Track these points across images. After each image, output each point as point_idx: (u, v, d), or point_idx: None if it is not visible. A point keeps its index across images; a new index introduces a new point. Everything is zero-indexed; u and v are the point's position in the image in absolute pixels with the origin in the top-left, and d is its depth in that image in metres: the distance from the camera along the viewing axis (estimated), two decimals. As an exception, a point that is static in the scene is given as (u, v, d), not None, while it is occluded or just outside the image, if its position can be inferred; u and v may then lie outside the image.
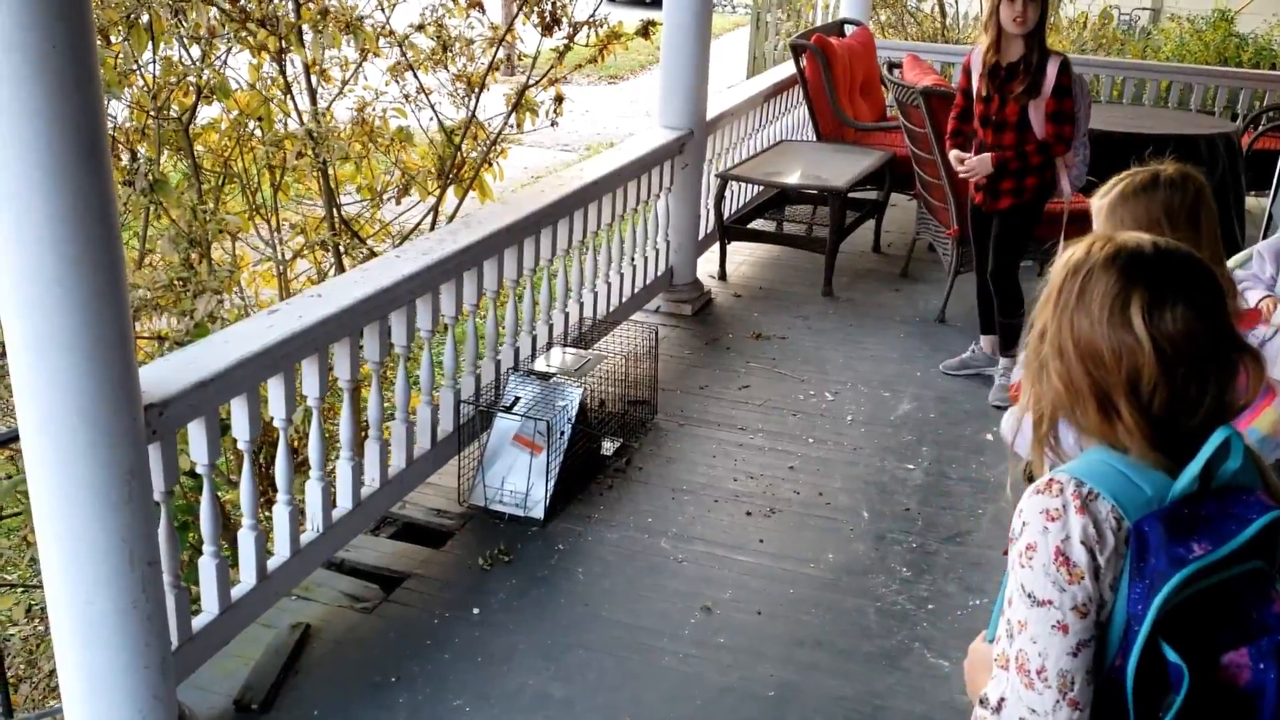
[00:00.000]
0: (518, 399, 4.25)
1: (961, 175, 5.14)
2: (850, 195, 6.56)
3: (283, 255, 5.24)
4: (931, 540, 4.15)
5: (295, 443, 4.57)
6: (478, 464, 4.26)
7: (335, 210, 4.88)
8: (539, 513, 4.15)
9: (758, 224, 7.07)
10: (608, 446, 4.66)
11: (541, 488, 4.14)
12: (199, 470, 3.11)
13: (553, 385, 4.35)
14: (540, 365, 4.48)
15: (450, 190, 5.33)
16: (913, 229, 6.89)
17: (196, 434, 3.04)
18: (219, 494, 3.52)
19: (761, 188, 7.19)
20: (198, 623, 3.16)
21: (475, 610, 3.70)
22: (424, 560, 3.97)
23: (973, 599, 3.83)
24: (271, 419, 3.36)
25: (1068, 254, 1.72)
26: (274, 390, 3.29)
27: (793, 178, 6.65)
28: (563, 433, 4.20)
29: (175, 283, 3.89)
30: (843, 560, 4.02)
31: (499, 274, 4.37)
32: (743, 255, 7.05)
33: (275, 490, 3.45)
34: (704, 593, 3.82)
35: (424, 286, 3.87)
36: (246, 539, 3.30)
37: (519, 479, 4.19)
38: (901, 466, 4.64)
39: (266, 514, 3.71)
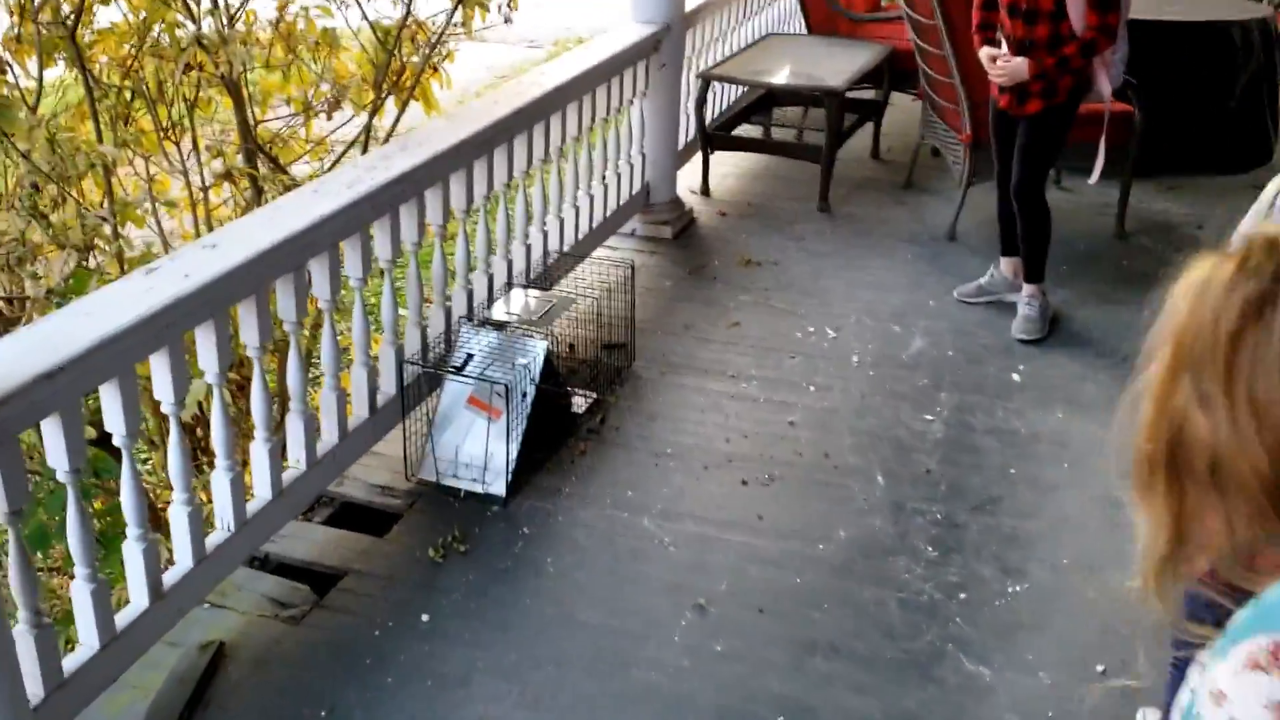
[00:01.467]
0: (470, 356, 3.60)
1: (994, 78, 4.43)
2: (847, 96, 5.85)
3: (202, 183, 4.52)
4: (959, 510, 3.55)
5: (196, 429, 3.92)
6: (427, 432, 3.63)
7: (248, 131, 4.15)
8: (499, 488, 3.53)
9: (742, 130, 6.35)
10: (579, 402, 4.03)
11: (502, 458, 3.52)
12: (61, 477, 2.46)
13: (512, 337, 3.69)
14: (498, 312, 3.82)
15: (391, 102, 4.60)
16: (916, 133, 6.19)
17: (52, 435, 2.39)
18: (91, 502, 2.88)
19: (744, 89, 6.47)
20: (71, 662, 2.54)
21: (424, 617, 3.09)
22: (364, 551, 3.35)
23: (1011, 584, 3.25)
24: (159, 404, 2.71)
25: (1218, 280, 1.05)
26: (158, 369, 2.64)
27: (783, 77, 5.92)
28: (525, 394, 3.56)
29: (14, 241, 3.20)
30: (856, 538, 3.43)
31: (444, 205, 3.68)
32: (727, 167, 6.34)
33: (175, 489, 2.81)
34: (696, 585, 3.22)
35: (350, 226, 3.19)
36: (133, 552, 2.67)
37: (475, 448, 3.56)
38: (918, 417, 4.03)
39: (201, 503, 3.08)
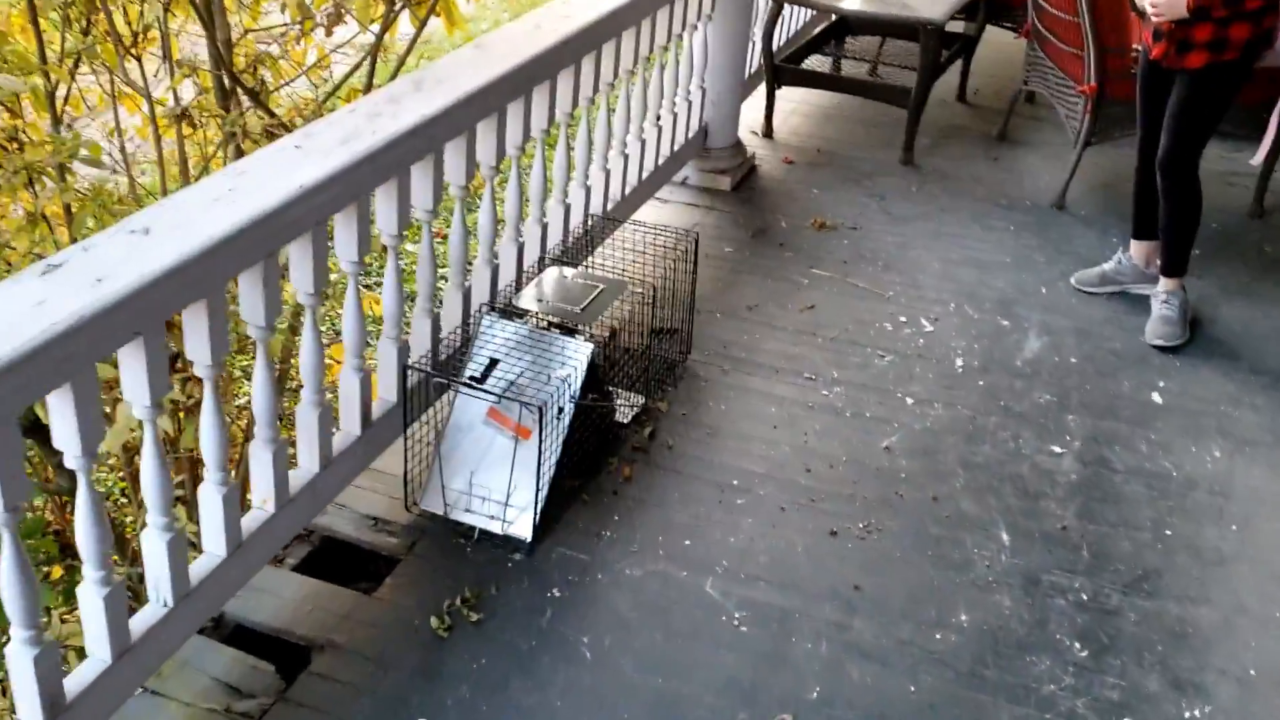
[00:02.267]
0: (493, 361, 2.81)
1: (1153, 15, 3.56)
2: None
3: (176, 104, 3.68)
4: (1107, 587, 2.79)
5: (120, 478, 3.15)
6: (434, 450, 2.86)
7: (221, 58, 3.30)
8: (524, 530, 2.77)
9: (810, 63, 5.46)
10: (624, 410, 3.25)
11: (530, 491, 2.75)
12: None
13: (546, 334, 2.90)
14: (528, 299, 3.01)
15: (406, 16, 3.74)
16: (1014, 76, 5.31)
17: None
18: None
19: (809, 15, 5.57)
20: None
21: (422, 721, 2.36)
22: (347, 616, 2.60)
23: (1188, 705, 2.49)
24: (61, 456, 1.93)
25: None
26: (59, 410, 1.86)
27: (875, 3, 5.02)
28: (561, 411, 2.78)
29: None
30: (983, 624, 2.67)
31: (468, 161, 2.86)
32: (791, 104, 5.47)
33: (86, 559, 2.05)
34: (777, 688, 2.47)
35: (344, 196, 2.38)
36: (21, 660, 1.92)
37: (495, 476, 2.79)
38: (1044, 449, 3.24)
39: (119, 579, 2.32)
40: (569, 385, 2.76)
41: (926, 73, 4.82)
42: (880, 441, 3.23)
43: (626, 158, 3.91)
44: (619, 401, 3.26)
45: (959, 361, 3.61)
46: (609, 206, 3.84)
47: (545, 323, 2.99)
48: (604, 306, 3.00)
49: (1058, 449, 3.24)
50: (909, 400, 3.41)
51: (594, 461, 3.06)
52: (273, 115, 3.22)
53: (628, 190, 3.97)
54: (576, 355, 2.83)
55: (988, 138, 5.26)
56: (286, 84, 3.72)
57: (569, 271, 3.15)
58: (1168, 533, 2.97)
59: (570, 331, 2.90)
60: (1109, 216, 4.53)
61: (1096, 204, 4.64)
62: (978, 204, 4.65)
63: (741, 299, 3.89)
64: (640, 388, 3.32)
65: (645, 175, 4.10)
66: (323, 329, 2.59)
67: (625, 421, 3.22)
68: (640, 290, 3.31)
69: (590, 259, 3.50)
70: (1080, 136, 4.55)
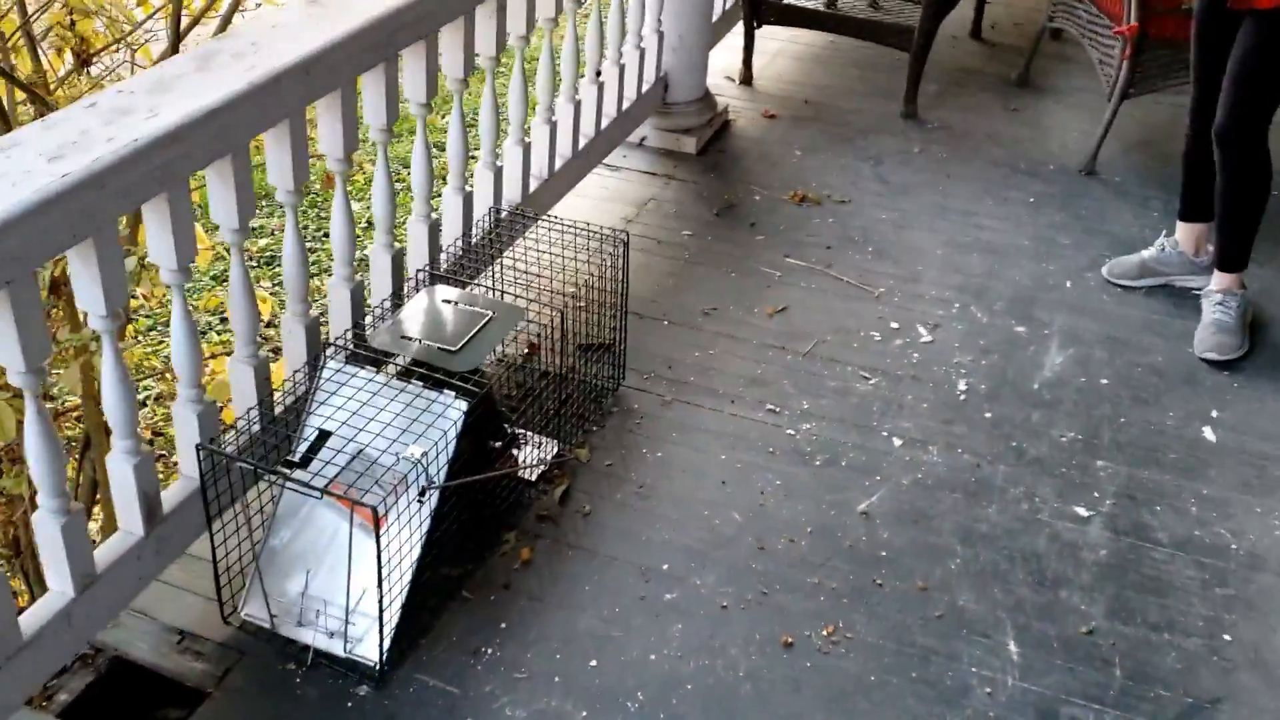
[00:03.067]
0: (322, 435, 2.10)
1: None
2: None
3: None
4: (1148, 724, 2.11)
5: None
6: (251, 544, 2.17)
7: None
8: (370, 650, 2.09)
9: (801, -8, 4.65)
10: (529, 464, 2.55)
11: (374, 601, 2.06)
12: None
13: (408, 394, 2.18)
14: (385, 337, 2.29)
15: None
16: (1037, 10, 4.51)
17: None
18: None
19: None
20: None
21: None
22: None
23: None
24: None
25: None
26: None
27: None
28: (425, 493, 2.08)
29: None
30: (978, 785, 1.99)
31: (346, 132, 2.12)
32: (777, 43, 4.69)
33: None
34: None
35: (122, 195, 1.67)
36: (49, 528, 1.56)
37: (339, 577, 2.11)
38: (1066, 510, 2.54)
39: None
40: (435, 458, 2.06)
41: (933, 6, 4.03)
42: (858, 502, 2.53)
43: (554, 125, 3.16)
44: (528, 449, 2.57)
45: (961, 385, 2.89)
46: (533, 188, 3.10)
47: (397, 368, 2.28)
48: (489, 345, 2.28)
49: (1083, 511, 2.53)
50: (896, 441, 2.70)
51: (484, 538, 2.37)
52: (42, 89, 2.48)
53: (559, 164, 3.23)
54: (447, 415, 2.12)
55: (1006, 83, 4.47)
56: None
57: (451, 293, 2.42)
58: (1226, 638, 2.27)
59: (442, 381, 2.18)
60: (1149, 186, 3.76)
61: (1135, 169, 3.87)
62: (992, 169, 3.88)
63: (697, 300, 3.17)
64: (556, 427, 2.62)
65: (584, 144, 3.35)
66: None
67: (531, 477, 2.53)
68: (550, 310, 2.60)
69: (494, 265, 2.77)
70: (1116, 87, 3.77)
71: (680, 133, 3.87)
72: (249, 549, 2.17)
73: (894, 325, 3.09)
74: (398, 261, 2.53)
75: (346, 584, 2.08)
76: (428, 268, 2.61)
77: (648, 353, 2.94)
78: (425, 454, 2.04)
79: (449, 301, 2.38)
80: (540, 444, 2.59)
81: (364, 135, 2.35)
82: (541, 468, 2.53)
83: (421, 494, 2.05)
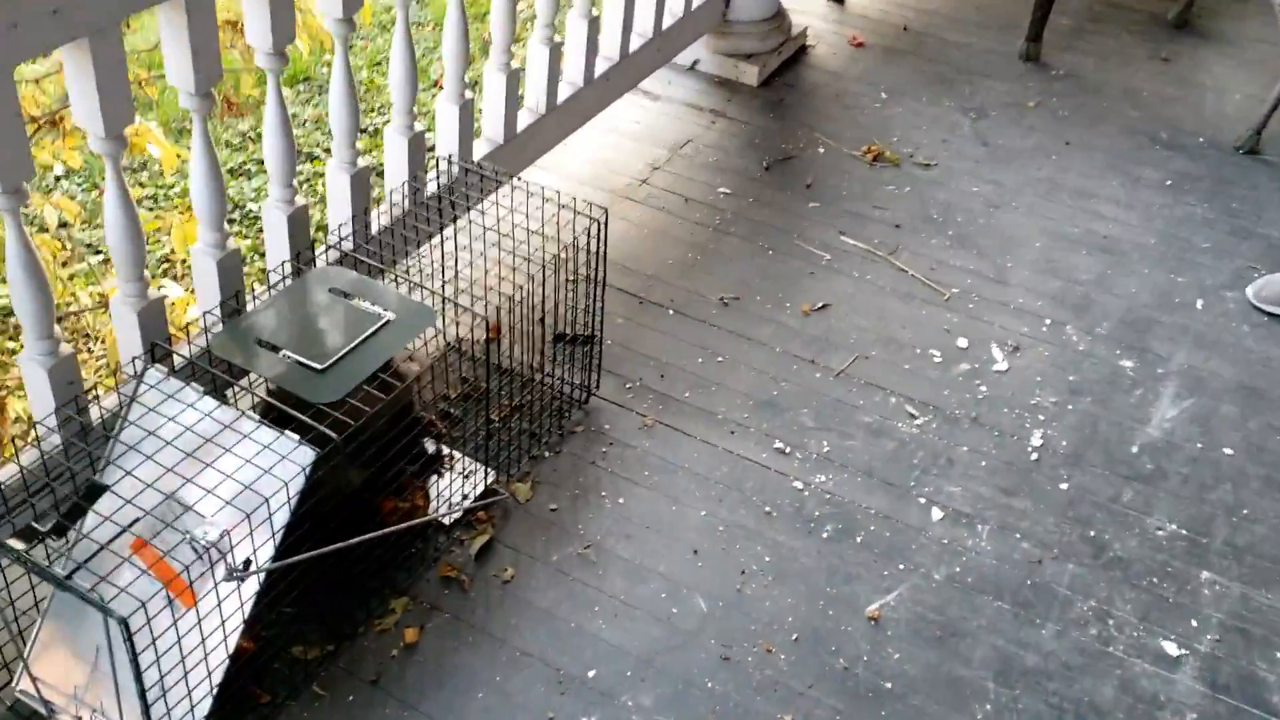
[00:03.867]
0: (93, 490, 1.53)
1: None
2: None
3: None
4: None
5: None
6: (42, 602, 1.64)
7: None
8: (173, 767, 1.56)
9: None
10: (444, 508, 1.96)
11: (186, 700, 1.52)
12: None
13: (240, 429, 1.60)
14: (227, 342, 1.70)
15: None
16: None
17: None
18: None
19: None
20: None
21: None
22: None
23: None
24: None
25: None
26: None
27: None
28: (236, 575, 1.52)
29: None
30: None
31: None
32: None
33: None
34: None
35: None
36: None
37: (123, 674, 1.57)
38: (1150, 644, 1.87)
39: None
40: (228, 545, 1.48)
41: (1075, -74, 3.23)
42: (868, 600, 1.90)
43: (554, 46, 2.50)
44: (450, 479, 1.99)
45: (1035, 439, 2.21)
46: (523, 124, 2.47)
47: (263, 395, 1.70)
48: (369, 367, 1.68)
49: (1173, 647, 1.87)
50: (936, 514, 2.06)
51: (362, 603, 1.82)
52: None
53: (563, 95, 2.58)
54: (281, 471, 1.54)
55: (1159, 23, 3.64)
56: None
57: (346, 279, 1.82)
58: None
59: (287, 417, 1.60)
60: (1327, 178, 2.98)
61: (1309, 153, 3.08)
62: (1123, 137, 3.12)
63: (717, 283, 2.53)
64: (490, 458, 2.04)
65: (603, 70, 2.69)
66: None
67: (444, 518, 1.95)
68: (515, 284, 1.99)
69: (447, 224, 2.16)
70: (1300, 47, 2.95)
71: (741, 58, 3.18)
72: (36, 602, 1.64)
73: (961, 343, 2.42)
74: (296, 222, 1.94)
75: (115, 691, 1.53)
76: (340, 236, 2.01)
77: (638, 352, 2.32)
78: (225, 535, 1.46)
79: (338, 293, 1.78)
80: (469, 471, 2.01)
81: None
82: (461, 506, 1.95)
83: (230, 578, 1.49)
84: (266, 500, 1.49)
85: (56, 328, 1.65)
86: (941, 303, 2.52)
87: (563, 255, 2.07)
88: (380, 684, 1.73)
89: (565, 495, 2.03)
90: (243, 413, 1.57)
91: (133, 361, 1.67)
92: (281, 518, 1.53)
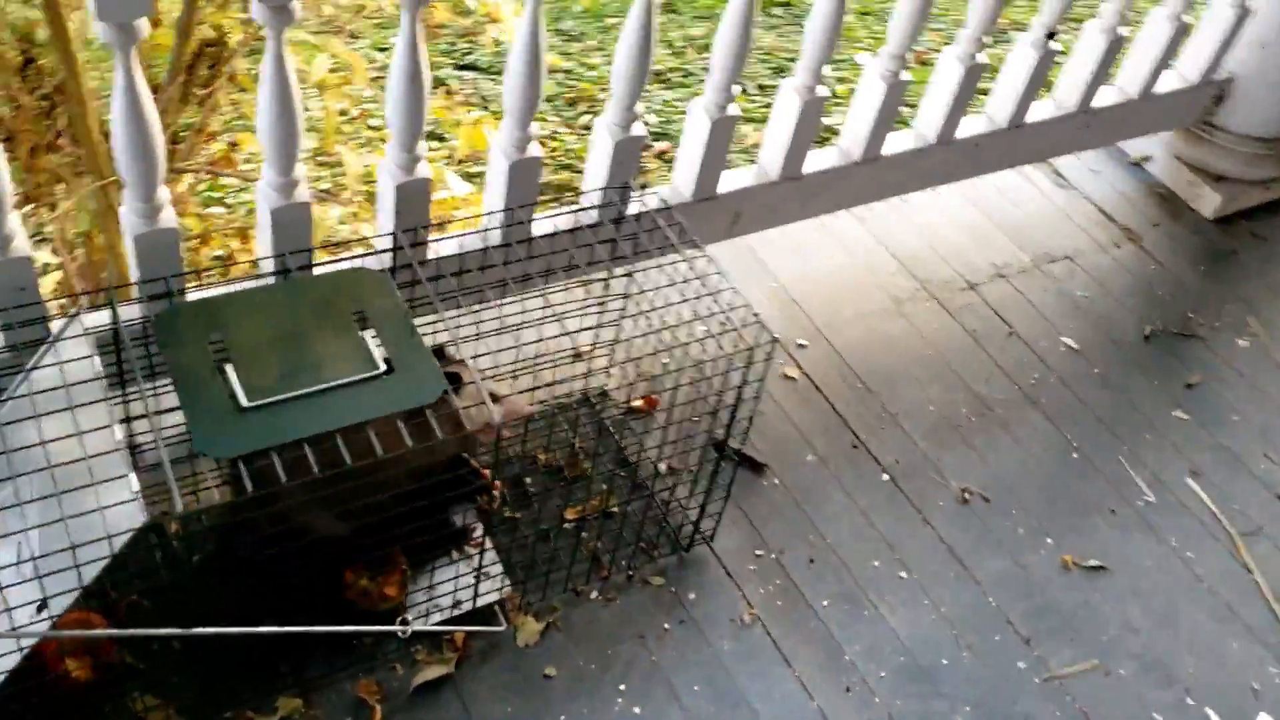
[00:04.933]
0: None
1: None
2: None
3: None
4: None
5: None
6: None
7: None
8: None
9: None
10: (424, 609, 1.49)
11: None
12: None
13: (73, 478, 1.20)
14: (180, 347, 1.29)
15: None
16: None
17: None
18: None
19: None
20: None
21: None
22: None
23: None
24: None
25: None
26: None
27: None
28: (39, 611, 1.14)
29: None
30: None
31: None
32: None
33: None
34: None
35: None
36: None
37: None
38: None
39: None
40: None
41: None
42: None
43: (898, 81, 1.85)
44: (438, 574, 1.52)
45: None
46: (864, 152, 1.87)
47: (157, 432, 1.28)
48: (306, 427, 1.21)
49: None
50: None
51: (243, 677, 1.41)
52: None
53: (933, 136, 1.94)
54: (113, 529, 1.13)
55: None
56: None
57: (388, 299, 1.35)
58: None
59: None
60: None
61: None
62: None
63: (973, 465, 1.83)
64: (534, 559, 1.54)
65: (1004, 126, 2.01)
66: None
67: (404, 634, 1.48)
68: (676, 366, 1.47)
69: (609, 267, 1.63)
70: None
71: (1206, 176, 2.33)
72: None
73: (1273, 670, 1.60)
74: (409, 196, 1.50)
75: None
76: (410, 240, 1.54)
77: (803, 511, 1.71)
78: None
79: (361, 319, 1.32)
80: (484, 571, 1.52)
81: None
82: (427, 628, 1.47)
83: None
84: (108, 543, 1.09)
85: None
86: (1276, 641, 1.68)
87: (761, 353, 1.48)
88: (188, 800, 1.32)
89: (575, 663, 1.50)
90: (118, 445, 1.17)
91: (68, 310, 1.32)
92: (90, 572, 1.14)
